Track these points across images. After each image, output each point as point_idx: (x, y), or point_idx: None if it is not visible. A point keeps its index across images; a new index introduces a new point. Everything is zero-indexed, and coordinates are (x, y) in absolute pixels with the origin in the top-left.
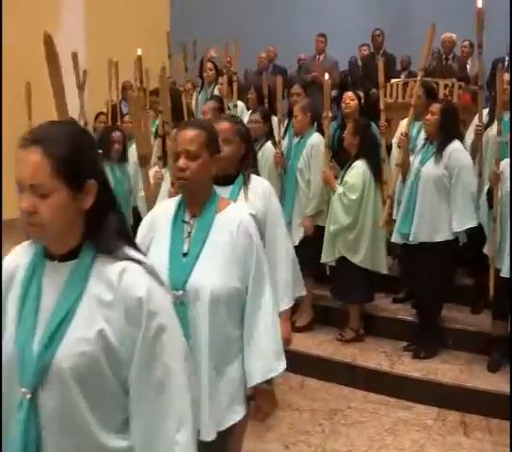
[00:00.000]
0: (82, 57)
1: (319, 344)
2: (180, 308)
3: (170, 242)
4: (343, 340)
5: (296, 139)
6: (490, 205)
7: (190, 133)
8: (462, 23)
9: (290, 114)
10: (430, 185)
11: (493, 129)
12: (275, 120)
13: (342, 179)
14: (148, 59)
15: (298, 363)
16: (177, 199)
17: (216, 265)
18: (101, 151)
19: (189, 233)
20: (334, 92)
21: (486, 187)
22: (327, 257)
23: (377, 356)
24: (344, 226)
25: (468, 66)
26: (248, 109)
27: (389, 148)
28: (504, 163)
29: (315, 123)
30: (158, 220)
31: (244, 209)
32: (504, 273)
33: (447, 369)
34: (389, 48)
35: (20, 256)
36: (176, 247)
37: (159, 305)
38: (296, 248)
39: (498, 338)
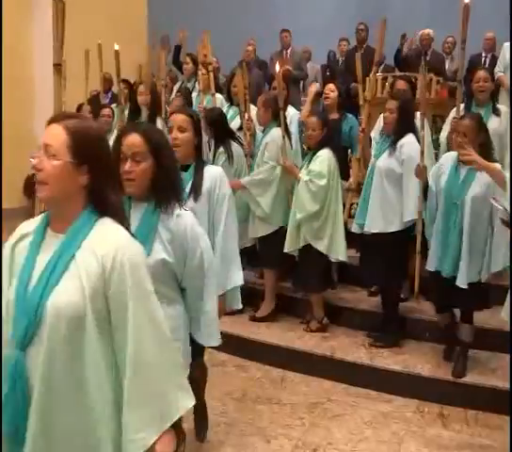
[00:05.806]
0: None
1: (299, 337)
2: None
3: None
4: (308, 330)
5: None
6: None
7: None
8: (440, 18)
9: None
10: (382, 177)
11: None
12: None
13: (306, 168)
14: (124, 50)
15: (279, 356)
16: None
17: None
18: None
19: None
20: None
21: None
22: (290, 246)
23: (357, 349)
24: (311, 213)
25: (446, 61)
26: (230, 101)
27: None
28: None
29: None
30: None
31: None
32: (460, 283)
33: (425, 362)
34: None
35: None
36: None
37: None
38: (258, 240)
39: (445, 328)
